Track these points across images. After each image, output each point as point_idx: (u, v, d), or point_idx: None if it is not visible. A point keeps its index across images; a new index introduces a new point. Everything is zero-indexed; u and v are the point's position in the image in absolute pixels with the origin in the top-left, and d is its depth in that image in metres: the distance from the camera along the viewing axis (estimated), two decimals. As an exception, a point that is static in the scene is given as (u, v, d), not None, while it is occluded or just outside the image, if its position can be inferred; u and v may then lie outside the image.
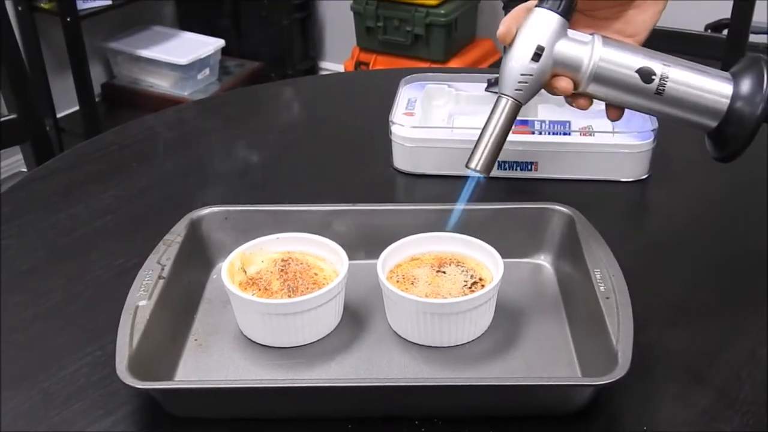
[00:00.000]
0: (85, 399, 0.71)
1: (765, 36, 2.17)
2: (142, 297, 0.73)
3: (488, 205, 0.85)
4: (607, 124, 1.03)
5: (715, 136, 0.75)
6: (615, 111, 0.76)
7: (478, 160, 0.73)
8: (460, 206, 0.77)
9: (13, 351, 0.77)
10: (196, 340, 0.77)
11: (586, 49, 0.72)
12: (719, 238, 0.92)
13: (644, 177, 1.02)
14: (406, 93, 1.13)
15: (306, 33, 3.10)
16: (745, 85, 0.72)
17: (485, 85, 1.13)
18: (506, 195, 1.00)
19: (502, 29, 0.72)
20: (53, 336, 0.79)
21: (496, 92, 1.10)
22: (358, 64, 2.81)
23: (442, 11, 2.64)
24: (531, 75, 0.71)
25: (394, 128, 1.04)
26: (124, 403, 0.70)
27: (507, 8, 1.07)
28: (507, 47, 0.72)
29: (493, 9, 2.78)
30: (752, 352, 0.74)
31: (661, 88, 0.72)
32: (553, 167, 1.02)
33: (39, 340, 0.78)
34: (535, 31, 0.71)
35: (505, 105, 0.73)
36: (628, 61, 0.72)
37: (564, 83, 0.73)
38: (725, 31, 1.77)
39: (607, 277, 0.74)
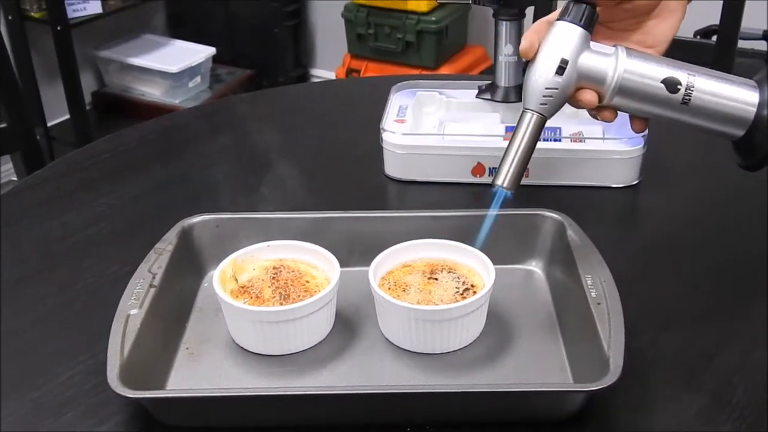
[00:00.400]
0: (76, 408, 0.71)
1: (754, 42, 2.18)
2: (133, 305, 0.73)
3: (479, 211, 0.85)
4: (597, 131, 1.03)
5: (741, 145, 0.74)
6: (639, 123, 0.75)
7: (505, 177, 0.73)
8: (488, 223, 0.76)
9: (5, 359, 0.76)
10: (187, 348, 0.77)
11: (611, 61, 0.71)
12: (710, 242, 0.93)
13: (635, 183, 1.02)
14: (397, 100, 1.13)
15: (297, 40, 3.10)
16: None
17: (476, 91, 1.13)
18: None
19: (524, 44, 0.71)
20: (45, 344, 0.79)
21: (487, 99, 1.12)
22: (350, 71, 2.82)
23: (433, 18, 2.65)
24: (556, 89, 0.71)
25: (385, 135, 1.05)
26: (115, 412, 0.70)
27: (497, 15, 1.07)
28: (529, 62, 0.72)
29: (483, 16, 2.79)
30: (745, 355, 0.75)
31: (687, 98, 0.71)
32: (544, 173, 1.02)
33: (31, 349, 0.78)
34: (558, 44, 0.70)
35: (530, 120, 0.72)
36: (653, 72, 0.71)
37: (589, 96, 0.72)
38: (714, 37, 1.78)
39: (598, 282, 0.74)
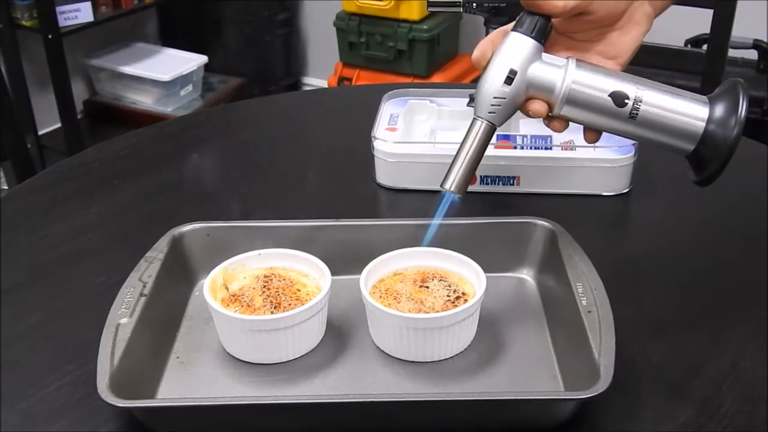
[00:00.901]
0: (66, 418, 0.71)
1: (744, 51, 2.19)
2: (123, 314, 0.73)
3: (471, 219, 0.86)
4: (588, 139, 1.04)
5: (693, 160, 0.74)
6: (591, 134, 0.76)
7: (452, 181, 0.74)
8: (434, 223, 0.77)
9: (-7, 370, 0.76)
10: (178, 357, 0.77)
11: (560, 72, 0.72)
12: (700, 251, 0.93)
13: (625, 191, 1.03)
14: (388, 108, 1.13)
15: (289, 49, 3.11)
16: (720, 109, 0.72)
17: (467, 100, 1.14)
18: (489, 209, 1.00)
19: (476, 53, 0.73)
20: (34, 355, 0.78)
21: (476, 107, 1.12)
22: (341, 79, 2.82)
23: (425, 27, 2.66)
24: (504, 98, 0.72)
25: (376, 143, 1.05)
26: (106, 422, 0.70)
27: (488, 24, 1.07)
28: (482, 71, 0.73)
29: (475, 25, 2.80)
30: (733, 364, 0.75)
31: (634, 111, 0.72)
32: (535, 181, 1.02)
33: (20, 359, 0.78)
34: (508, 54, 0.72)
35: (480, 127, 0.74)
36: (601, 84, 0.72)
37: (538, 106, 0.73)
38: (705, 46, 1.78)
39: (589, 290, 0.74)
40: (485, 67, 0.73)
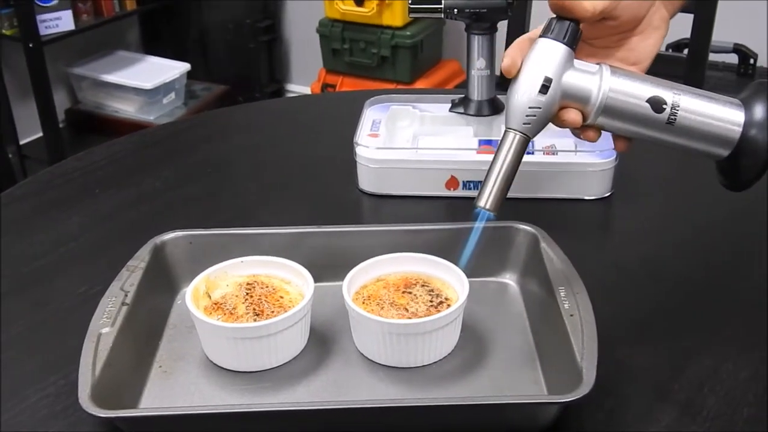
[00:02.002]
0: (49, 430, 0.70)
1: (725, 55, 2.21)
2: (105, 324, 0.73)
3: (453, 224, 0.86)
4: (569, 143, 1.04)
5: (726, 165, 0.72)
6: (623, 142, 0.73)
7: (487, 199, 0.70)
8: (471, 244, 0.74)
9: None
10: (160, 366, 0.76)
11: (595, 80, 0.69)
12: (683, 254, 0.93)
13: (607, 195, 1.03)
14: (370, 114, 1.13)
15: (272, 56, 3.11)
16: (758, 112, 0.69)
17: (449, 105, 1.14)
18: (471, 214, 1.00)
19: (506, 62, 0.69)
20: (16, 366, 0.78)
21: (460, 112, 1.12)
22: (325, 86, 2.82)
23: (408, 33, 2.66)
24: (539, 108, 0.68)
25: (358, 150, 1.05)
26: (88, 432, 0.69)
27: (469, 30, 1.08)
28: (512, 80, 0.69)
29: (458, 30, 2.81)
30: (715, 367, 0.75)
31: (672, 117, 0.69)
32: (516, 186, 1.01)
33: (2, 369, 0.77)
34: (541, 62, 0.68)
35: (513, 140, 0.70)
36: (638, 91, 0.69)
37: (573, 115, 0.70)
38: (686, 51, 1.79)
39: (571, 294, 0.75)
40: (516, 77, 0.69)
